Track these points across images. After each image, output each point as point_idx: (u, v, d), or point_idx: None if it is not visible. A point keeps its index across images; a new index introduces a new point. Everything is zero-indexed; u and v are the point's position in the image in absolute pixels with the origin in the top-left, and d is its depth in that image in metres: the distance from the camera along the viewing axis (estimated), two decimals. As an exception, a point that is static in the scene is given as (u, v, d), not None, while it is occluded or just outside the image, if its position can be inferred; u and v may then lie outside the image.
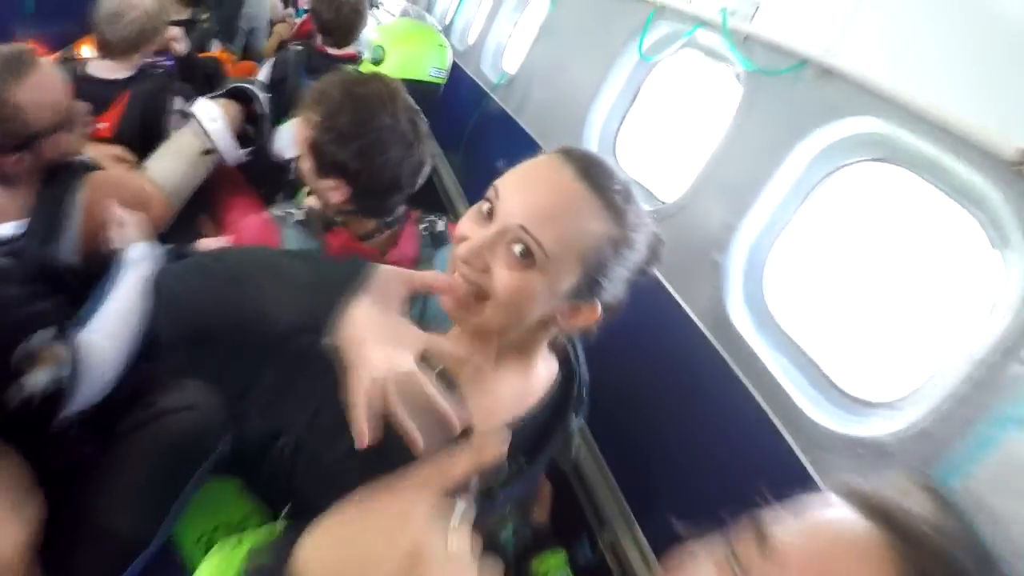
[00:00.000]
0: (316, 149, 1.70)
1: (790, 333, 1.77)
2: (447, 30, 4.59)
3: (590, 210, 1.06)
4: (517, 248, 1.04)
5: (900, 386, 1.51)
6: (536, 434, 1.27)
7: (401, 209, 1.83)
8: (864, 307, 1.81)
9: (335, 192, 1.71)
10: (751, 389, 1.71)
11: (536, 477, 1.36)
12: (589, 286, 1.09)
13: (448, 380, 1.06)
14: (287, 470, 1.25)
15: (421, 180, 3.07)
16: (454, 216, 3.24)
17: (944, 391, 1.36)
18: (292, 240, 1.70)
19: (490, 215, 1.08)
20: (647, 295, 1.96)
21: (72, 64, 2.76)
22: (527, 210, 1.05)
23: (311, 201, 1.89)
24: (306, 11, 4.97)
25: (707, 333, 1.87)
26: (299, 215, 1.75)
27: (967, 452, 1.28)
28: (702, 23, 2.20)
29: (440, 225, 1.90)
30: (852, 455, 1.48)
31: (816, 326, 1.78)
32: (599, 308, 1.13)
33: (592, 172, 1.08)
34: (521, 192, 1.08)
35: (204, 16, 4.08)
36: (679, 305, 1.97)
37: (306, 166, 1.75)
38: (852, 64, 1.67)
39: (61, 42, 3.25)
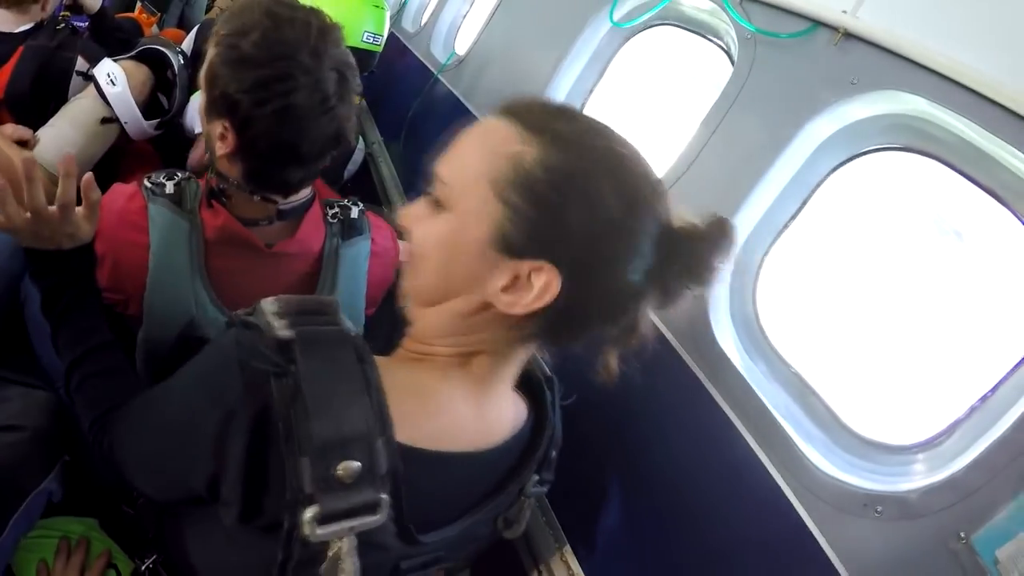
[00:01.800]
0: (211, 75, 1.34)
1: (788, 358, 1.48)
2: (399, 12, 4.25)
3: (503, 133, 0.90)
4: (427, 196, 0.94)
5: (930, 428, 1.25)
6: (488, 479, 1.07)
7: (305, 196, 1.47)
8: (882, 328, 1.51)
9: (221, 142, 1.36)
10: (739, 426, 1.40)
11: (476, 535, 1.11)
12: (522, 229, 0.87)
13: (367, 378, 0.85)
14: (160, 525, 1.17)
15: (352, 167, 2.74)
16: (388, 208, 2.89)
17: (989, 434, 1.12)
18: (158, 217, 1.37)
19: None
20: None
21: None
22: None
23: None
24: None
25: (683, 353, 1.54)
26: (171, 187, 1.39)
27: (1019, 514, 1.01)
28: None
29: (354, 212, 1.52)
30: (867, 513, 1.19)
31: (821, 351, 1.49)
32: (555, 273, 0.87)
33: (513, 105, 0.94)
34: None
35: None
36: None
37: (201, 103, 1.41)
38: (879, 26, 1.39)
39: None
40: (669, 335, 1.57)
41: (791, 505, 1.27)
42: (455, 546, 1.06)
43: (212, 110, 1.36)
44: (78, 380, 1.21)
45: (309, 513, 0.77)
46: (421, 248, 0.93)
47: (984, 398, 1.18)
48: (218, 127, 1.35)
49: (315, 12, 1.38)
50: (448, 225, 0.90)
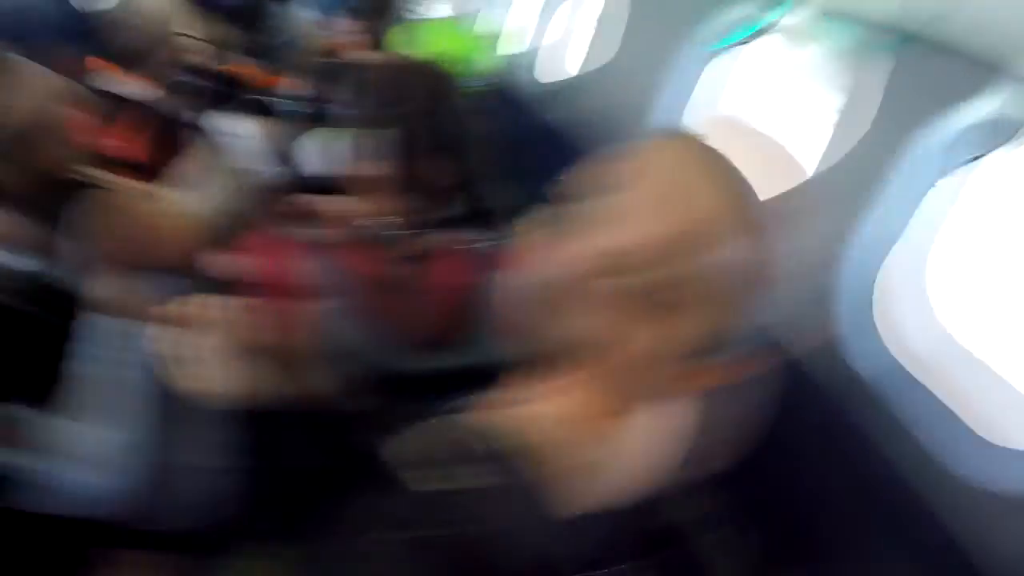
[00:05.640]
0: None
1: (929, 361, 1.51)
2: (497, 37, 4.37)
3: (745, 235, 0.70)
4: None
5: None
6: None
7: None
8: (1002, 332, 1.52)
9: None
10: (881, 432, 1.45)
11: None
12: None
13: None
14: None
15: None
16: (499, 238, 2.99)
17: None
18: (312, 262, 1.45)
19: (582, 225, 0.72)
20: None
21: (94, 77, 2.57)
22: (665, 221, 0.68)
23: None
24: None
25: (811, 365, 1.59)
26: (316, 233, 1.50)
27: None
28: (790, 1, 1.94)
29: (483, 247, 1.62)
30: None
31: (963, 354, 1.51)
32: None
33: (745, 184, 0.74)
34: (656, 190, 0.70)
35: (234, 35, 3.93)
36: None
37: None
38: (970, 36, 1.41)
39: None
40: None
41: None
42: None
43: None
44: None
45: None
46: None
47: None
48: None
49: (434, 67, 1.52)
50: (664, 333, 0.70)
